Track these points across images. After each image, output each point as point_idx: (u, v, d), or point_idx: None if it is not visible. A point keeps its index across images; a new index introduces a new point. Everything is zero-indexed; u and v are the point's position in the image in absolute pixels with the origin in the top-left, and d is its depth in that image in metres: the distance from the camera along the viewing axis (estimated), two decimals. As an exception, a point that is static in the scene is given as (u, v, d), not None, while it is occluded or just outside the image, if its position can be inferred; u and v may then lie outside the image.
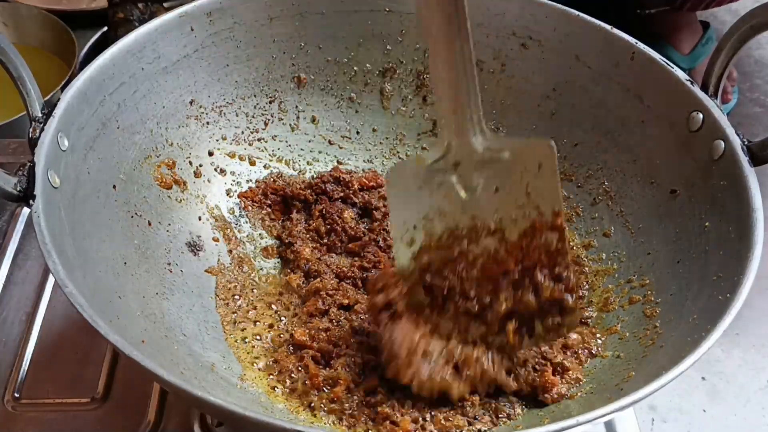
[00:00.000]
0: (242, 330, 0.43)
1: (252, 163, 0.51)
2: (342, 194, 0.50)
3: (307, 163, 0.53)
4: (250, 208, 0.50)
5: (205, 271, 0.46)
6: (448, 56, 0.34)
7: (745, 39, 0.38)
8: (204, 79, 0.48)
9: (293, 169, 0.52)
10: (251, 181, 0.51)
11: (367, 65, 0.52)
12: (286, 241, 0.48)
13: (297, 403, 0.39)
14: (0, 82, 0.41)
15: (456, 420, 0.37)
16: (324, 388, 0.38)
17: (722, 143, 0.39)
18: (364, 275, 0.45)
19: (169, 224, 0.45)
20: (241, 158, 0.51)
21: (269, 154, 0.52)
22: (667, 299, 0.40)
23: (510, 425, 0.37)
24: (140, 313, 0.38)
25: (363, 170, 0.52)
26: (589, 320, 0.43)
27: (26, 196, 0.34)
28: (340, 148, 0.53)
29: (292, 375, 0.40)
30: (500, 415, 0.38)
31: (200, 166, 0.49)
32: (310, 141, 0.53)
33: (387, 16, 0.50)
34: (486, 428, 0.37)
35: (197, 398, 0.29)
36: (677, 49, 0.75)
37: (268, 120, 0.52)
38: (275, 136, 0.52)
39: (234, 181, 0.50)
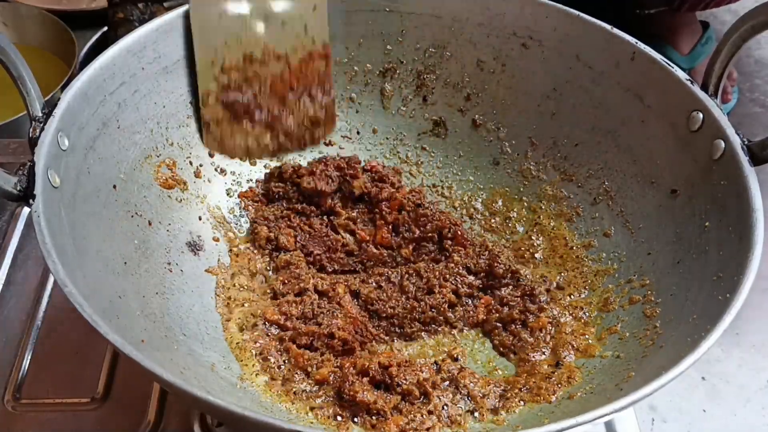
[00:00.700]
0: (242, 330, 0.43)
1: (252, 163, 0.51)
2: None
3: (309, 163, 0.52)
4: (250, 208, 0.50)
5: (206, 270, 0.46)
6: None
7: (746, 38, 0.38)
8: (204, 79, 0.48)
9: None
10: (251, 181, 0.51)
11: (368, 65, 0.52)
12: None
13: (297, 402, 0.39)
14: (0, 83, 0.41)
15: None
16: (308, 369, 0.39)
17: (722, 143, 0.39)
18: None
19: (170, 224, 0.45)
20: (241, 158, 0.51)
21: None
22: (667, 299, 0.40)
23: (510, 425, 0.37)
24: (140, 313, 0.38)
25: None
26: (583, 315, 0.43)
27: (26, 196, 0.34)
28: (341, 148, 0.53)
29: (278, 362, 0.41)
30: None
31: (200, 166, 0.49)
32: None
33: (387, 15, 0.50)
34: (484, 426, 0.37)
35: (197, 398, 0.29)
36: (677, 49, 0.75)
37: (269, 120, 0.52)
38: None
39: (234, 181, 0.50)
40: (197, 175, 0.48)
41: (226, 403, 0.28)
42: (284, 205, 0.49)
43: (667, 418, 0.47)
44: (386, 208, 0.48)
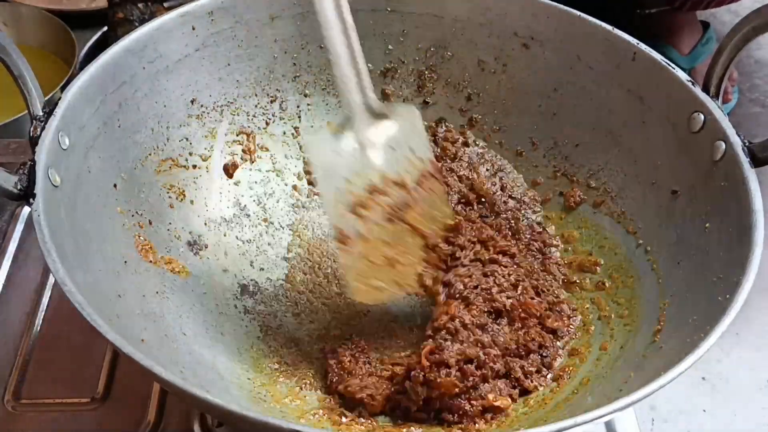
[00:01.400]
0: (242, 329, 0.43)
1: (253, 162, 0.51)
2: None
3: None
4: (250, 208, 0.50)
5: (206, 270, 0.45)
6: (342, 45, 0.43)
7: (747, 40, 0.38)
8: (205, 79, 0.48)
9: (294, 168, 0.52)
10: (252, 180, 0.51)
11: (369, 65, 0.52)
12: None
13: (298, 401, 0.39)
14: (0, 83, 0.41)
15: None
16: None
17: (723, 144, 0.39)
18: None
19: (170, 223, 0.45)
20: (242, 158, 0.51)
21: (271, 154, 0.52)
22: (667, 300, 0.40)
23: (510, 425, 0.37)
24: (140, 312, 0.38)
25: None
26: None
27: (26, 195, 0.34)
28: (342, 148, 0.53)
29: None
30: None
31: (201, 165, 0.48)
32: (311, 141, 0.53)
33: (389, 15, 0.50)
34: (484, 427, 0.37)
35: (196, 397, 0.29)
36: (677, 49, 0.75)
37: (270, 120, 0.52)
38: (276, 135, 0.52)
39: (235, 180, 0.50)
40: (198, 174, 0.48)
41: (225, 402, 0.28)
42: None
43: (667, 418, 0.47)
44: None
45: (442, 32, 0.51)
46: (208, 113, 0.49)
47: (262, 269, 0.48)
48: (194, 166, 0.48)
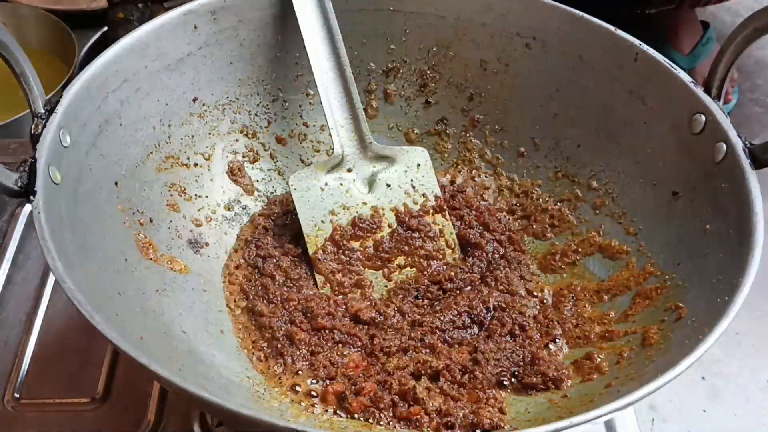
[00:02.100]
0: (243, 327, 0.43)
1: (254, 161, 0.51)
2: None
3: (309, 164, 0.52)
4: (251, 207, 0.50)
5: (206, 268, 0.45)
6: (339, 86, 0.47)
7: (749, 41, 0.38)
8: (207, 77, 0.48)
9: (295, 167, 0.52)
10: (253, 179, 0.51)
11: (371, 64, 0.52)
12: None
13: (298, 401, 0.39)
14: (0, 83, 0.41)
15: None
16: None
17: (724, 146, 0.39)
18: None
19: (171, 221, 0.45)
20: (243, 156, 0.51)
21: (271, 153, 0.52)
22: (667, 300, 0.40)
23: (509, 425, 0.37)
24: (139, 310, 0.38)
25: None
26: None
27: (27, 192, 0.34)
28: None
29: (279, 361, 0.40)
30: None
31: (202, 163, 0.48)
32: (313, 140, 0.53)
33: (391, 15, 0.50)
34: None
35: (194, 395, 0.29)
36: (677, 49, 0.75)
37: (271, 119, 0.52)
38: (278, 134, 0.52)
39: (236, 179, 0.50)
40: (199, 173, 0.48)
41: (223, 401, 0.28)
42: None
43: (667, 418, 0.47)
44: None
45: (444, 32, 0.51)
46: (209, 112, 0.49)
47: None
48: (196, 165, 0.48)
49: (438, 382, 0.39)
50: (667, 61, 0.43)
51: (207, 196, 0.48)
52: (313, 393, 0.39)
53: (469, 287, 0.46)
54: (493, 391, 0.39)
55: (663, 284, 0.41)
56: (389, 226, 0.48)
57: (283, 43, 0.50)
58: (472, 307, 0.44)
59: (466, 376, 0.40)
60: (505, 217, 0.51)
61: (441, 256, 0.48)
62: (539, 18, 0.48)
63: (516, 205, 0.51)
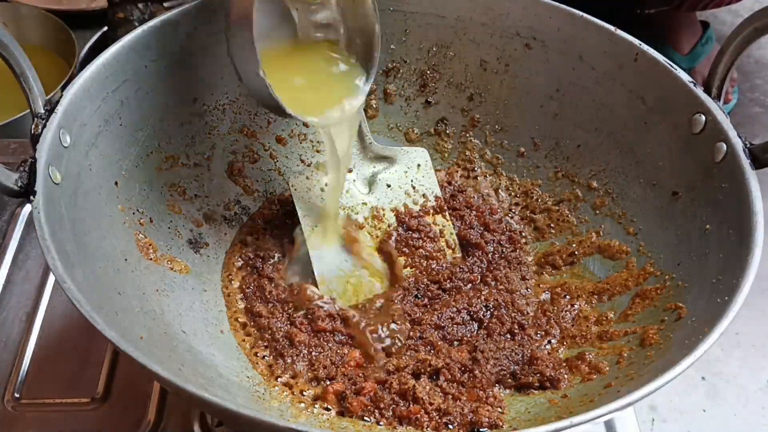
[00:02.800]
0: (243, 327, 0.43)
1: (254, 161, 0.51)
2: None
3: (308, 164, 0.52)
4: (251, 206, 0.50)
5: (206, 268, 0.45)
6: None
7: (749, 41, 0.38)
8: (207, 77, 0.48)
9: (295, 167, 0.52)
10: (253, 179, 0.51)
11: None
12: None
13: (298, 400, 0.39)
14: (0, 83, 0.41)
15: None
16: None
17: (724, 146, 0.39)
18: None
19: (171, 221, 0.45)
20: (243, 156, 0.51)
21: (271, 153, 0.52)
22: (666, 301, 0.40)
23: (509, 424, 0.37)
24: (139, 310, 0.38)
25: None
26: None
27: (27, 192, 0.34)
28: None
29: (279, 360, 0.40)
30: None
31: (202, 163, 0.48)
32: (313, 140, 0.53)
33: (391, 15, 0.50)
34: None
35: (194, 395, 0.28)
36: (677, 49, 0.75)
37: (271, 119, 0.52)
38: (278, 134, 0.52)
39: (236, 179, 0.50)
40: (199, 172, 0.48)
41: (224, 401, 0.28)
42: None
43: (667, 418, 0.47)
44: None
45: (444, 32, 0.51)
46: (210, 112, 0.49)
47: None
48: (196, 165, 0.48)
49: (438, 381, 0.39)
50: (667, 61, 0.43)
51: (207, 196, 0.48)
52: (314, 393, 0.39)
53: (470, 285, 0.46)
54: (493, 390, 0.39)
55: (663, 284, 0.41)
56: (389, 226, 0.48)
57: (283, 43, 0.50)
58: (471, 305, 0.44)
59: (466, 375, 0.40)
60: (505, 217, 0.51)
61: (441, 257, 0.48)
62: (539, 18, 0.48)
63: (516, 205, 0.51)
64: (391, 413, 0.38)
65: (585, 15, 0.47)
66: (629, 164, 0.47)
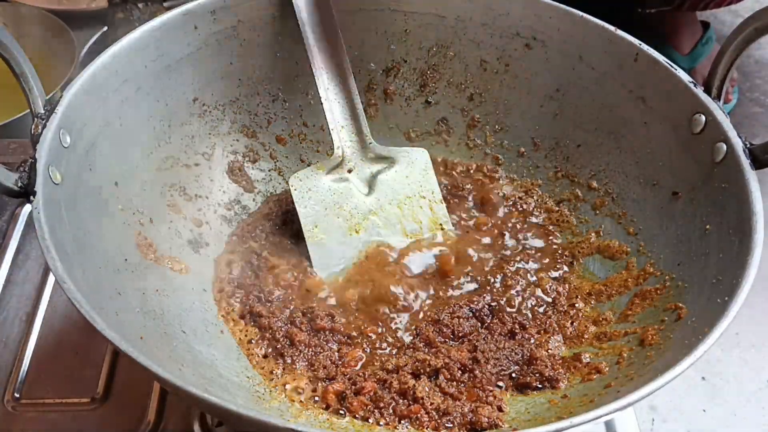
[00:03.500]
0: (243, 327, 0.43)
1: (254, 161, 0.51)
2: None
3: (308, 164, 0.52)
4: (251, 206, 0.50)
5: (206, 268, 0.45)
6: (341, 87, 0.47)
7: (749, 41, 0.38)
8: (207, 77, 0.48)
9: (295, 167, 0.52)
10: (253, 179, 0.51)
11: (371, 64, 0.52)
12: None
13: (298, 401, 0.39)
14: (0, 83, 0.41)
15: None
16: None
17: (724, 146, 0.39)
18: None
19: (171, 221, 0.45)
20: (243, 156, 0.51)
21: (271, 153, 0.52)
22: (666, 301, 0.40)
23: (509, 424, 0.37)
24: (139, 310, 0.38)
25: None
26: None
27: (27, 193, 0.34)
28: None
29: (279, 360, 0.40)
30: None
31: (202, 163, 0.48)
32: (312, 140, 0.53)
33: (391, 14, 0.50)
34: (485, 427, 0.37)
35: (194, 396, 0.28)
36: (677, 49, 0.75)
37: (271, 118, 0.52)
38: (278, 134, 0.52)
39: (236, 179, 0.50)
40: (199, 172, 0.48)
41: (224, 401, 0.28)
42: None
43: (667, 418, 0.47)
44: None
45: (444, 32, 0.51)
46: (210, 111, 0.49)
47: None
48: (196, 165, 0.48)
49: (437, 380, 0.39)
50: (667, 61, 0.43)
51: (207, 197, 0.48)
52: (314, 393, 0.39)
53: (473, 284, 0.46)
54: (493, 390, 0.39)
55: (663, 284, 0.41)
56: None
57: (283, 43, 0.50)
58: (472, 302, 0.44)
59: (466, 374, 0.40)
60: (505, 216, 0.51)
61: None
62: (539, 18, 0.48)
63: (515, 205, 0.51)
64: (391, 412, 0.38)
65: (585, 15, 0.47)
66: (629, 164, 0.47)
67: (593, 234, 0.48)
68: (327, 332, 0.43)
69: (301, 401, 0.39)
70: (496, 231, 0.49)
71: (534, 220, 0.50)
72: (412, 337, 0.42)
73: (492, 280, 0.47)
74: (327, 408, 0.38)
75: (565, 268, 0.47)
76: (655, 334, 0.38)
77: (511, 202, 0.51)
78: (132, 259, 0.40)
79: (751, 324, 0.52)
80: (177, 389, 0.29)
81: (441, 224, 0.49)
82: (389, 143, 0.52)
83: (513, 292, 0.45)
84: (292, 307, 0.44)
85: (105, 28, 0.75)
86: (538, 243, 0.49)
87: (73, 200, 0.37)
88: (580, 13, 0.47)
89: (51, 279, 0.50)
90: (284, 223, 0.49)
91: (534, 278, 0.47)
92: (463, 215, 0.50)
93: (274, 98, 0.51)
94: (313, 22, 0.47)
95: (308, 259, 0.47)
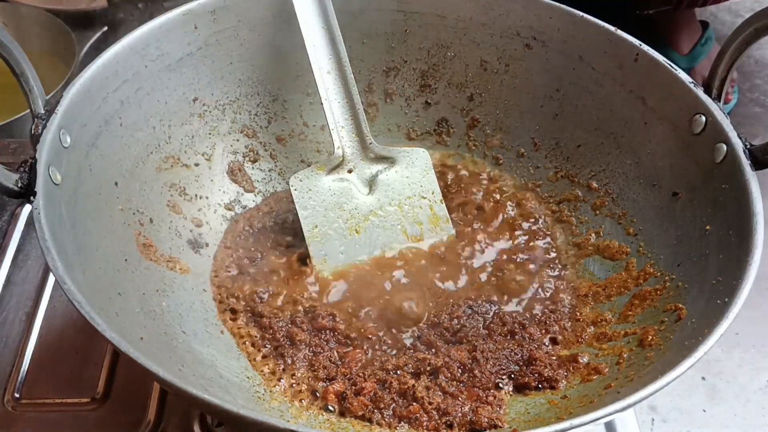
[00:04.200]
0: (243, 327, 0.43)
1: (254, 161, 0.51)
2: None
3: (309, 164, 0.52)
4: (251, 206, 0.50)
5: (206, 268, 0.45)
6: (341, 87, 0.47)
7: (749, 42, 0.38)
8: (207, 77, 0.48)
9: (295, 167, 0.52)
10: (253, 179, 0.51)
11: (372, 64, 0.52)
12: None
13: (298, 401, 0.39)
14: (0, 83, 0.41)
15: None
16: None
17: (724, 147, 0.39)
18: None
19: (171, 221, 0.45)
20: (243, 156, 0.51)
21: (271, 153, 0.52)
22: (666, 301, 0.40)
23: (508, 424, 0.37)
24: (139, 311, 0.38)
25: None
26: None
27: (27, 193, 0.34)
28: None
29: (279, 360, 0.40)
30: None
31: (202, 163, 0.48)
32: (313, 140, 0.53)
33: (392, 15, 0.50)
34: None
35: (194, 396, 0.29)
36: (676, 49, 0.75)
37: (272, 118, 0.52)
38: (278, 134, 0.52)
39: (236, 179, 0.50)
40: (199, 172, 0.48)
41: (224, 402, 0.28)
42: None
43: (667, 418, 0.47)
44: None
45: (444, 32, 0.51)
46: (210, 111, 0.49)
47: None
48: (196, 165, 0.48)
49: (437, 379, 0.39)
50: (667, 61, 0.43)
51: (207, 197, 0.48)
52: (314, 393, 0.39)
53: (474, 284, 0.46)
54: (492, 389, 0.39)
55: (663, 285, 0.41)
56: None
57: (283, 43, 0.50)
58: (472, 302, 0.44)
59: (466, 374, 0.40)
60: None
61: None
62: (539, 18, 0.48)
63: (516, 205, 0.51)
64: (391, 412, 0.38)
65: (585, 15, 0.47)
66: (629, 164, 0.47)
67: (593, 234, 0.48)
68: (328, 331, 0.43)
69: (301, 402, 0.39)
70: (496, 231, 0.49)
71: (534, 220, 0.50)
72: (412, 339, 0.43)
73: (492, 280, 0.47)
74: (327, 408, 0.38)
75: (565, 269, 0.47)
76: (655, 334, 0.38)
77: (511, 203, 0.51)
78: (132, 260, 0.40)
79: (751, 324, 0.52)
80: (177, 390, 0.29)
81: (441, 224, 0.49)
82: (389, 143, 0.52)
83: (513, 292, 0.45)
84: (292, 307, 0.44)
85: (105, 28, 0.75)
86: (538, 243, 0.49)
87: (73, 200, 0.37)
88: (580, 13, 0.47)
89: (51, 279, 0.50)
90: (284, 223, 0.49)
91: (534, 278, 0.47)
92: (464, 216, 0.50)
93: (274, 98, 0.51)
94: (313, 22, 0.47)
95: (309, 259, 0.47)
